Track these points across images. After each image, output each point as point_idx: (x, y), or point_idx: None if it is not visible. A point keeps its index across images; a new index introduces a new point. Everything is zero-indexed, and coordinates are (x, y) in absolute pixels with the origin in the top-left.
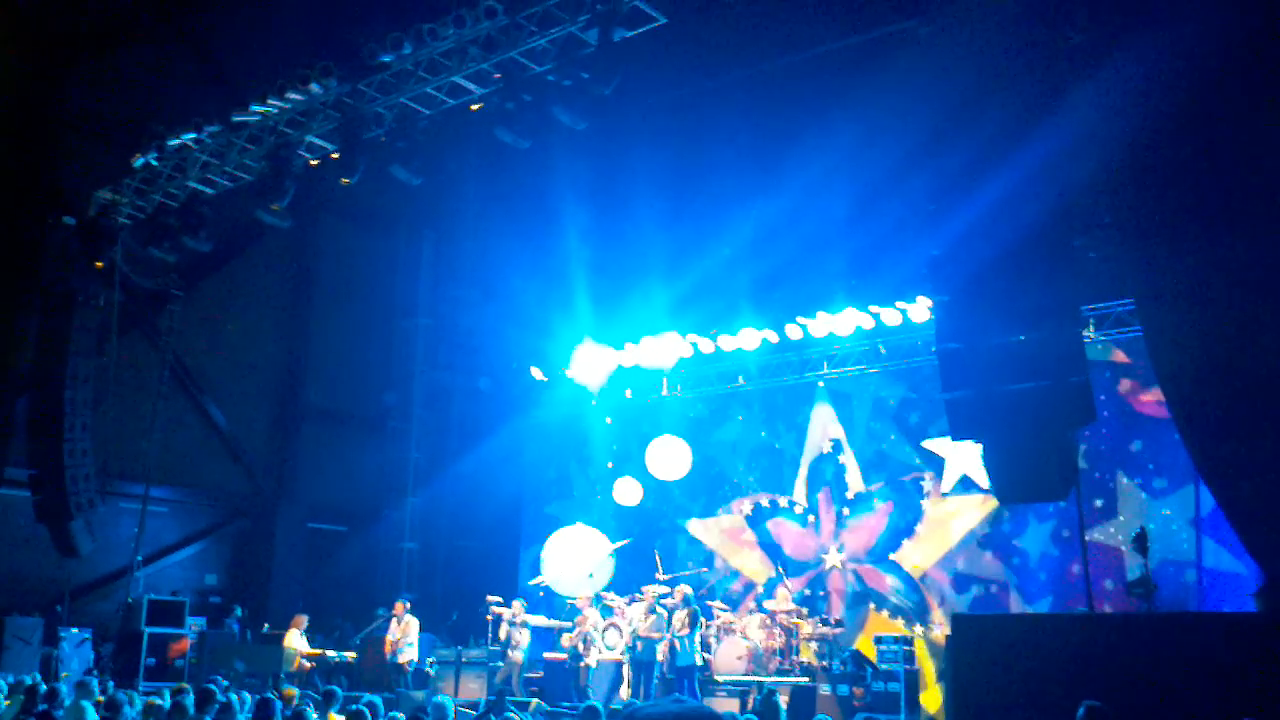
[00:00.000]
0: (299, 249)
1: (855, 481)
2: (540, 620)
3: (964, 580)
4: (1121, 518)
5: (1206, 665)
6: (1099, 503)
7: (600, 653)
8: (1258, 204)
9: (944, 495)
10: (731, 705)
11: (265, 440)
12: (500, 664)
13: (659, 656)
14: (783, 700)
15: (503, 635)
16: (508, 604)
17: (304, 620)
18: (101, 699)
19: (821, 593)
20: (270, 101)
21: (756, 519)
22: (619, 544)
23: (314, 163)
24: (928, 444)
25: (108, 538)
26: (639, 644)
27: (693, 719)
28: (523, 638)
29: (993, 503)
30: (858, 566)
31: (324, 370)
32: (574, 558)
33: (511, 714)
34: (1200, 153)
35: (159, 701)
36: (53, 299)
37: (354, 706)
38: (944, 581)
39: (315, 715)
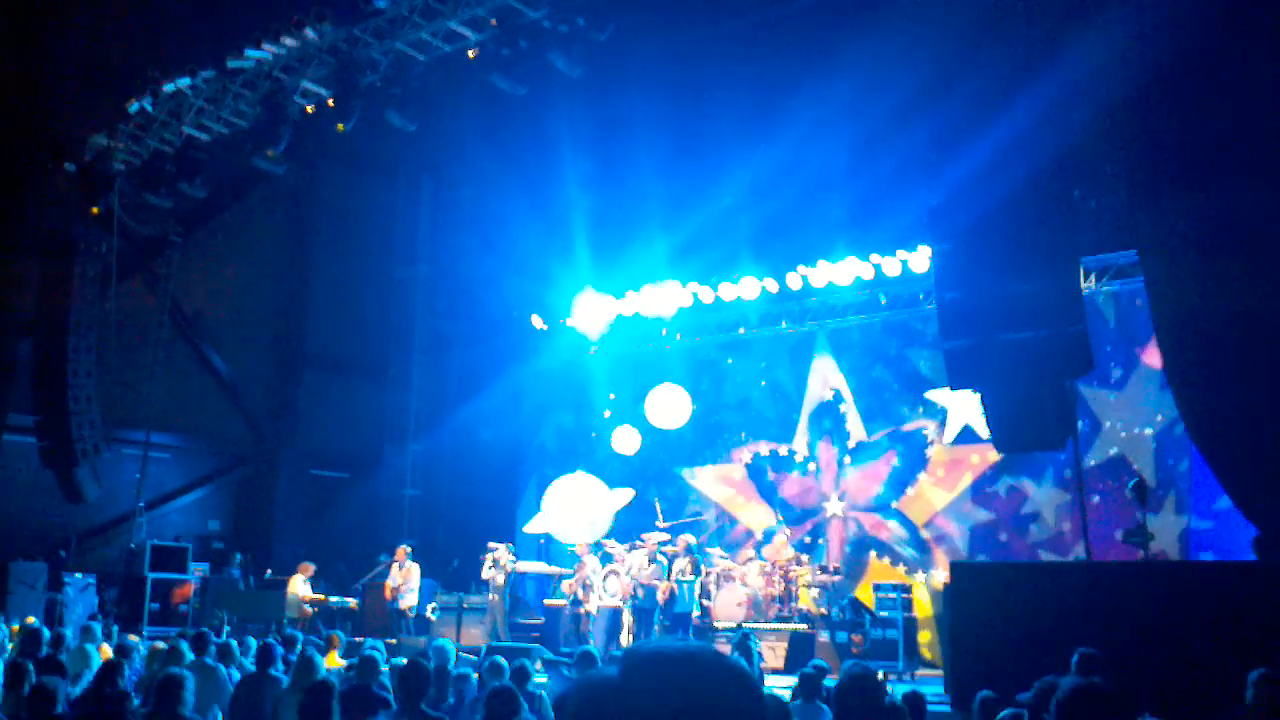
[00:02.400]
0: (297, 196)
1: (857, 430)
2: (540, 567)
3: (969, 529)
4: (1106, 424)
5: (1202, 613)
6: (1081, 424)
7: (600, 599)
8: (1262, 152)
9: (947, 444)
10: (728, 652)
11: (266, 387)
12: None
13: (659, 603)
14: (781, 646)
15: (484, 576)
16: (505, 544)
17: (310, 568)
18: (106, 644)
19: (821, 540)
20: (265, 46)
21: (756, 468)
22: (625, 498)
23: (309, 109)
24: (930, 394)
25: (111, 483)
26: (640, 591)
27: (696, 657)
28: (502, 579)
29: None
30: (859, 515)
31: (324, 317)
32: (575, 504)
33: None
34: (1204, 100)
35: (162, 645)
36: (54, 246)
37: (365, 653)
38: (948, 530)
39: (321, 659)
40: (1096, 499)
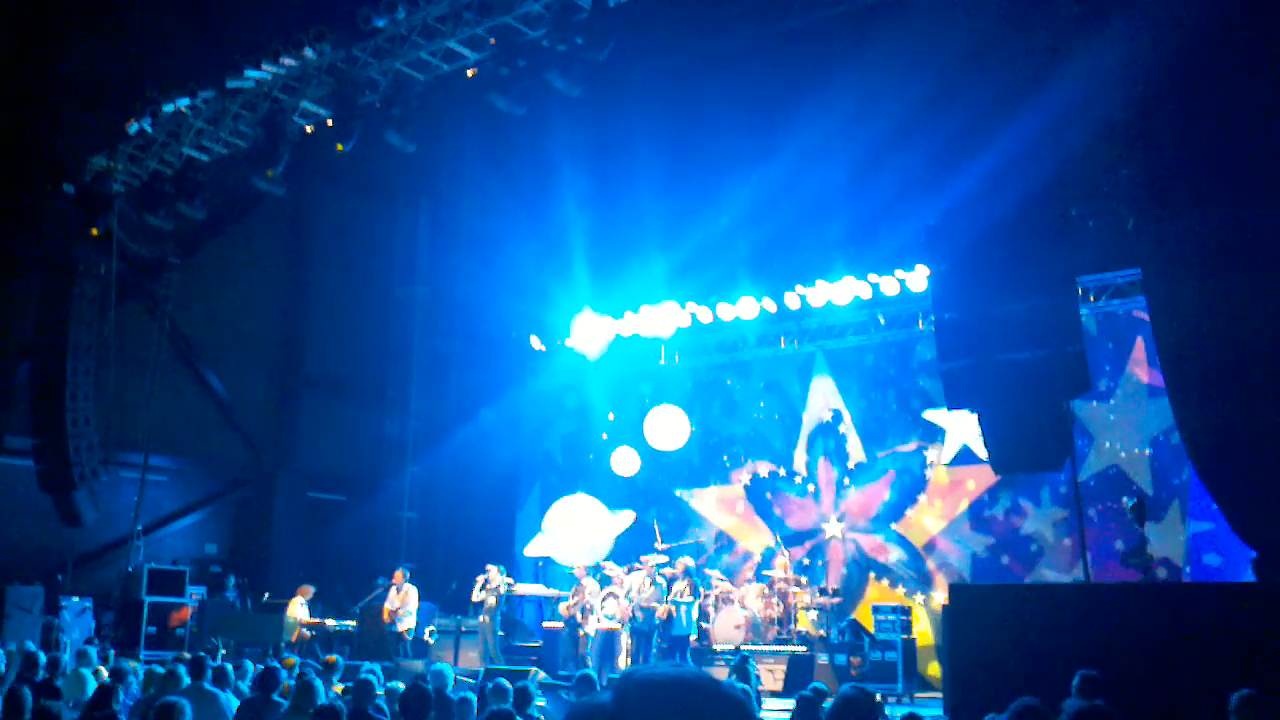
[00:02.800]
0: (295, 217)
1: (856, 451)
2: (538, 589)
3: (968, 550)
4: (1100, 439)
5: (1202, 634)
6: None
7: (599, 622)
8: (1266, 170)
9: (946, 465)
10: (725, 675)
11: (264, 409)
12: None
13: (658, 625)
14: (780, 669)
15: (475, 599)
16: (507, 573)
17: (309, 590)
18: (102, 668)
19: (820, 562)
20: (264, 66)
21: (755, 489)
22: (626, 521)
23: (309, 129)
24: (929, 414)
25: (108, 507)
26: (639, 613)
27: (691, 684)
28: (493, 601)
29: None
30: (858, 536)
31: (322, 339)
32: (576, 527)
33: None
34: (1207, 117)
35: (159, 670)
36: (53, 268)
37: (360, 676)
38: (948, 552)
39: (320, 683)
40: (1093, 513)
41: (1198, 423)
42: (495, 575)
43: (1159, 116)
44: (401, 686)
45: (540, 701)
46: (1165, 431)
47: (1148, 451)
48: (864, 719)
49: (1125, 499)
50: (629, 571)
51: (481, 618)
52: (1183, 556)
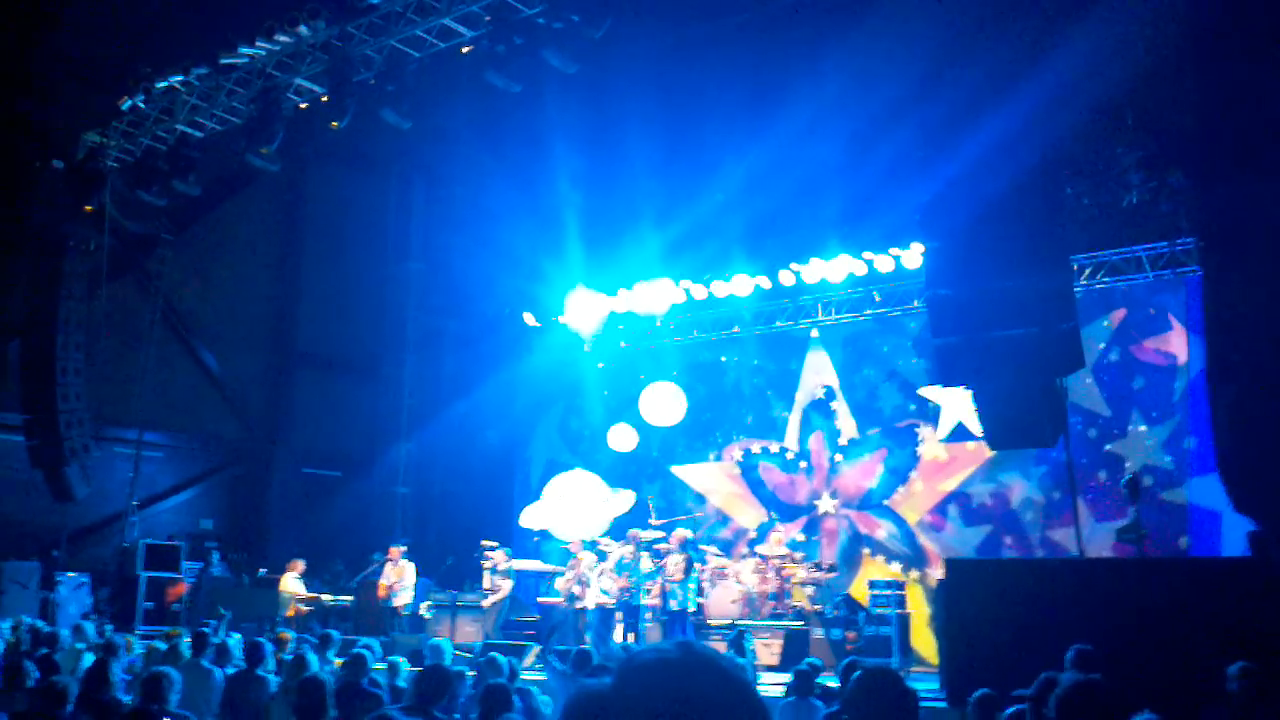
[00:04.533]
0: (289, 193)
1: (849, 428)
2: (534, 565)
3: (962, 526)
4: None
5: (1196, 609)
6: None
7: (596, 597)
8: None
9: (940, 442)
10: (723, 649)
11: (258, 385)
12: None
13: (650, 600)
14: (776, 643)
15: (485, 584)
16: (501, 549)
17: (301, 565)
18: (98, 642)
19: (815, 538)
20: (258, 44)
21: (749, 465)
22: (627, 502)
23: (303, 106)
24: (923, 391)
25: (103, 483)
26: (628, 591)
27: (692, 666)
28: (505, 584)
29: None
30: (851, 512)
31: (316, 315)
32: (576, 502)
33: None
34: (1211, 91)
35: (159, 645)
36: (43, 244)
37: (354, 650)
38: (941, 527)
39: (315, 658)
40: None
41: (1231, 394)
42: (502, 558)
43: (1214, 86)
44: (400, 660)
45: (532, 675)
46: (1101, 352)
47: (1089, 379)
48: (893, 691)
49: (1121, 478)
50: (622, 546)
51: (498, 596)
52: (1160, 455)
